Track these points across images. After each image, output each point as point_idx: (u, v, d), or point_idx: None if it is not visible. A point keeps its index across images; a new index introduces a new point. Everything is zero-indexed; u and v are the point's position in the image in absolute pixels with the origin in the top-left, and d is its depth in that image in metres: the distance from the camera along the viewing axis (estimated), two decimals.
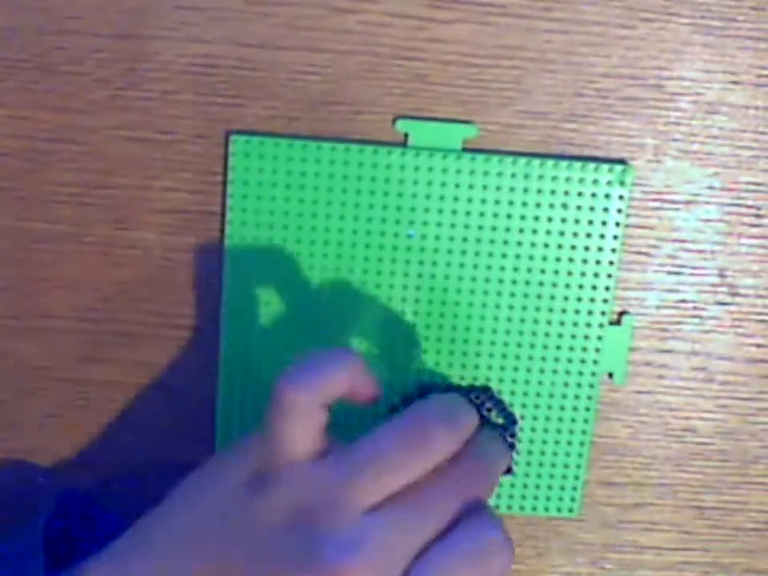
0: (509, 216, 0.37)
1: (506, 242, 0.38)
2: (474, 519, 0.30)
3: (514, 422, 0.39)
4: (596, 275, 0.38)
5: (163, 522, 0.32)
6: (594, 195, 0.37)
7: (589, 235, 0.38)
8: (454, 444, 0.31)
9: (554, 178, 0.37)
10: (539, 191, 0.37)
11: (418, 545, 0.30)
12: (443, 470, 0.31)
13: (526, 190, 0.37)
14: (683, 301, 0.39)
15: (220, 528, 0.31)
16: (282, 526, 0.30)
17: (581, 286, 0.38)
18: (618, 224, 0.38)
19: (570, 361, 0.38)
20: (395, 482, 0.30)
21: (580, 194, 0.37)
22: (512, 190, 0.37)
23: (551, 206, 0.37)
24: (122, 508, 0.32)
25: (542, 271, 0.38)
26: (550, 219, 0.37)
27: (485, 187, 0.37)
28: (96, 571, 0.31)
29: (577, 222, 0.37)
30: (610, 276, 0.38)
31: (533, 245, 0.38)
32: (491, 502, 0.39)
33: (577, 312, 0.38)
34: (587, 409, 0.39)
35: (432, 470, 0.30)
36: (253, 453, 0.32)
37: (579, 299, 0.38)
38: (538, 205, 0.37)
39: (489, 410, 0.39)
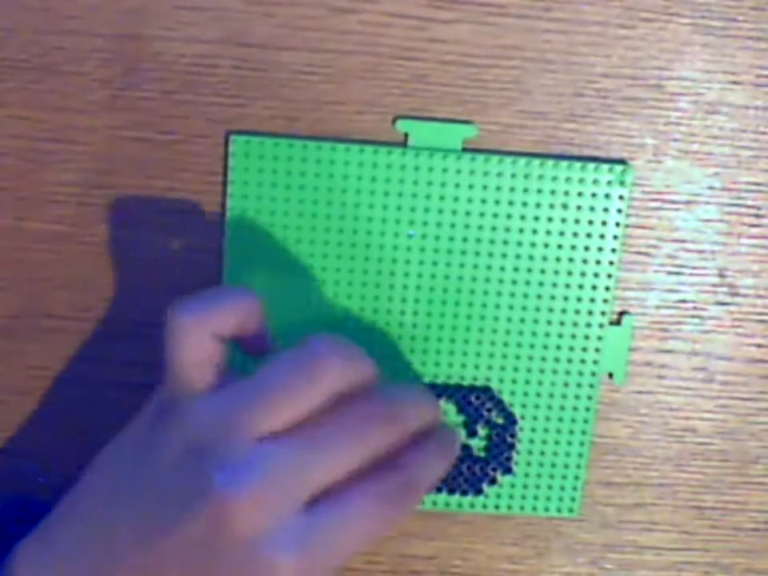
0: (509, 216, 0.37)
1: (506, 242, 0.38)
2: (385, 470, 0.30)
3: (514, 422, 0.39)
4: (596, 275, 0.38)
5: (85, 487, 0.32)
6: (594, 195, 0.37)
7: (589, 235, 0.38)
8: (345, 375, 0.31)
9: (554, 178, 0.37)
10: (539, 191, 0.37)
11: (314, 482, 0.29)
12: (350, 412, 0.31)
13: (525, 190, 0.37)
14: (683, 301, 0.39)
15: (131, 474, 0.31)
16: (177, 459, 0.30)
17: (581, 286, 0.38)
18: (618, 224, 0.38)
19: (569, 361, 0.38)
20: (287, 411, 0.30)
21: (580, 194, 0.37)
22: (512, 190, 0.37)
23: (551, 206, 0.37)
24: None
25: (542, 271, 0.38)
26: (549, 219, 0.37)
27: (485, 187, 0.37)
28: (24, 549, 0.32)
29: (577, 222, 0.37)
30: (610, 276, 0.38)
31: (533, 245, 0.38)
32: (488, 501, 0.40)
33: (577, 312, 0.38)
34: (587, 409, 0.39)
35: (334, 411, 0.30)
36: (156, 395, 0.32)
37: (579, 299, 0.38)
38: (538, 205, 0.37)
39: (489, 410, 0.39)
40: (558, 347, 0.38)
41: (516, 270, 0.38)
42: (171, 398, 0.31)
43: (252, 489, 0.28)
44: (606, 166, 0.37)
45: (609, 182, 0.37)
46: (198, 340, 0.31)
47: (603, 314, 0.38)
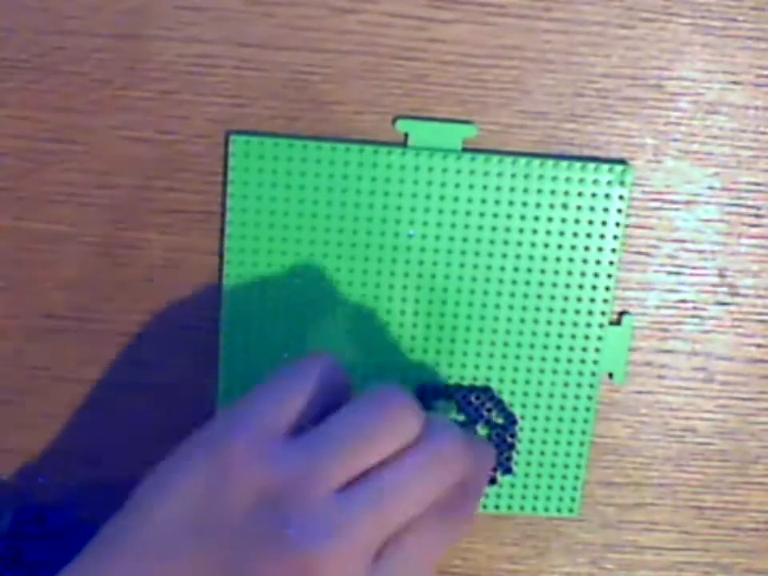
0: (509, 216, 0.37)
1: (506, 242, 0.38)
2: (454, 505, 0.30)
3: (514, 422, 0.39)
4: (596, 275, 0.38)
5: (129, 523, 0.31)
6: (594, 195, 0.37)
7: (589, 235, 0.38)
8: (418, 426, 0.31)
9: (554, 178, 0.37)
10: (539, 191, 0.37)
11: (385, 533, 0.29)
12: (418, 455, 0.30)
13: (525, 190, 0.37)
14: (683, 301, 0.39)
15: (187, 521, 0.30)
16: (250, 511, 0.29)
17: (581, 286, 0.38)
18: (618, 224, 0.38)
19: (569, 361, 0.38)
20: (363, 461, 0.29)
21: (580, 194, 0.37)
22: (512, 189, 0.37)
23: (551, 206, 0.37)
24: (119, 508, 0.32)
25: (542, 271, 0.38)
26: (550, 219, 0.37)
27: (485, 187, 0.37)
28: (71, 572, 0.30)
29: (577, 221, 0.37)
30: (610, 276, 0.38)
31: (533, 245, 0.38)
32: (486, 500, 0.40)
33: (577, 312, 0.38)
34: (587, 409, 0.39)
35: (404, 455, 0.30)
36: (216, 438, 0.31)
37: (579, 299, 0.38)
38: (538, 205, 0.37)
39: (489, 410, 0.39)
40: (558, 347, 0.38)
41: (516, 270, 0.38)
42: (241, 439, 0.30)
43: (335, 545, 0.28)
44: (605, 166, 0.37)
45: (609, 182, 0.37)
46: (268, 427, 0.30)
47: (603, 313, 0.38)
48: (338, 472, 0.29)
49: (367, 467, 0.30)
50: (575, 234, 0.38)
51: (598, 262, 0.38)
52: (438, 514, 0.30)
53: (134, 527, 0.30)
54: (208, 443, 0.31)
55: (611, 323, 0.39)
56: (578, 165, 0.37)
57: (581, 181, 0.37)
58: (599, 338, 0.38)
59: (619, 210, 0.37)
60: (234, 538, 0.29)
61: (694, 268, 0.39)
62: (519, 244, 0.38)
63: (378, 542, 0.29)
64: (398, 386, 0.31)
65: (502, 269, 0.38)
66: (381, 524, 0.29)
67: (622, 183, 0.37)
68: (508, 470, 0.39)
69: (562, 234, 0.38)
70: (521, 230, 0.37)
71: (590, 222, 0.37)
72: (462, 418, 0.39)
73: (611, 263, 0.38)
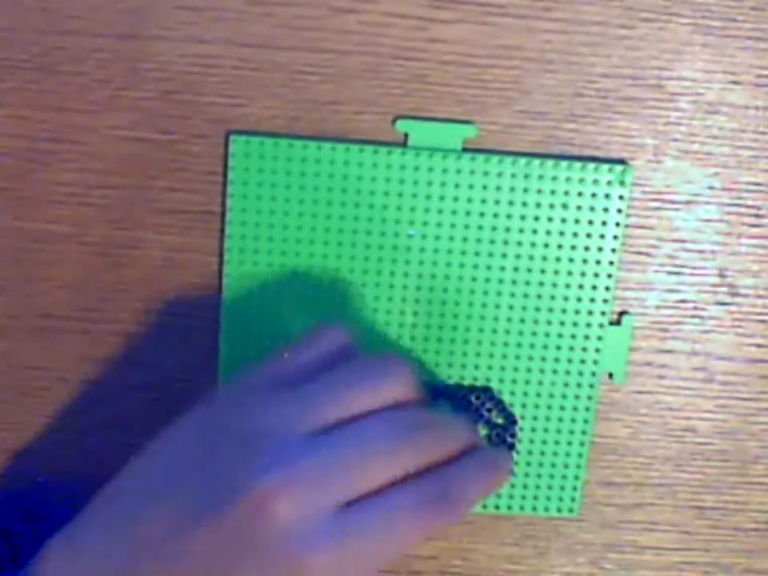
0: (509, 216, 0.37)
1: (506, 242, 0.38)
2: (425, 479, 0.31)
3: (514, 422, 0.39)
4: (596, 275, 0.38)
5: (118, 485, 0.32)
6: (594, 195, 0.37)
7: (589, 235, 0.38)
8: (403, 394, 0.32)
9: (554, 178, 0.37)
10: (539, 191, 0.37)
11: (355, 482, 0.30)
12: (397, 419, 0.31)
13: (525, 190, 0.37)
14: (683, 301, 0.39)
15: (172, 466, 0.31)
16: (227, 450, 0.30)
17: (581, 286, 0.38)
18: (618, 224, 0.38)
19: (570, 361, 0.38)
20: (341, 412, 0.31)
21: (580, 194, 0.37)
22: (512, 189, 0.37)
23: (551, 206, 0.37)
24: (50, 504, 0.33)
25: (542, 271, 0.38)
26: (550, 219, 0.37)
27: (485, 187, 0.37)
28: (53, 549, 0.31)
29: (577, 221, 0.37)
30: (610, 276, 0.38)
31: (533, 245, 0.38)
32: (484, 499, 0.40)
33: (577, 312, 0.38)
34: (587, 409, 0.39)
35: (382, 415, 0.31)
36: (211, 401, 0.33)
37: (579, 299, 0.38)
38: (538, 205, 0.37)
39: (489, 410, 0.39)
40: (558, 347, 0.38)
41: (516, 269, 0.38)
42: (242, 388, 0.32)
43: (290, 477, 0.29)
44: (605, 166, 0.37)
45: (609, 182, 0.37)
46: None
47: (603, 313, 0.38)
48: (312, 419, 0.30)
49: (349, 418, 0.31)
50: (575, 234, 0.38)
51: (598, 262, 0.38)
52: (414, 497, 0.30)
53: (116, 491, 0.32)
54: (216, 392, 0.33)
55: (611, 323, 0.39)
56: (578, 165, 0.37)
57: (581, 181, 0.37)
58: (599, 338, 0.38)
59: (619, 210, 0.37)
60: (206, 482, 0.30)
61: (694, 268, 0.39)
62: (519, 244, 0.38)
63: (343, 489, 0.29)
64: (400, 357, 0.33)
65: (502, 269, 0.38)
66: (345, 469, 0.29)
67: (622, 183, 0.37)
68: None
69: (561, 234, 0.38)
70: (521, 230, 0.37)
71: (590, 222, 0.37)
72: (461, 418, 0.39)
73: (611, 263, 0.38)
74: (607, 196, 0.37)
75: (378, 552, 0.30)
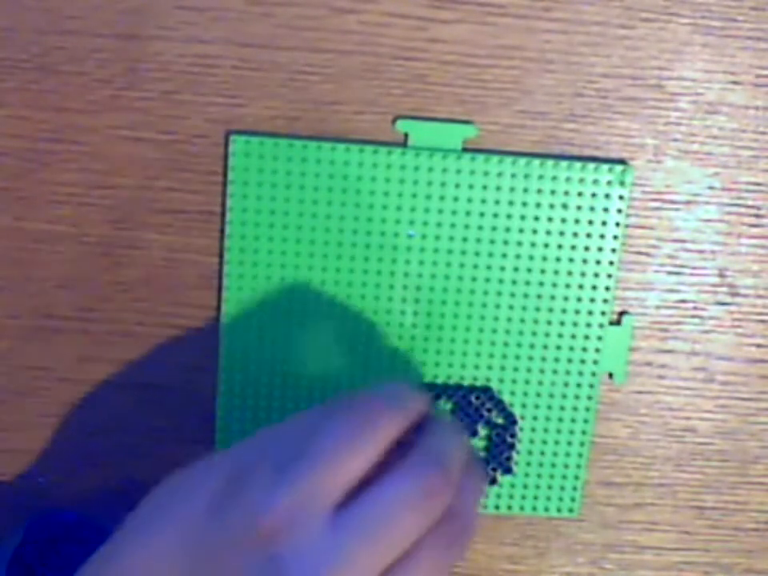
0: (509, 216, 0.37)
1: (506, 242, 0.38)
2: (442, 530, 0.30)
3: (514, 422, 0.39)
4: (596, 275, 0.38)
5: (121, 551, 0.31)
6: (594, 195, 0.37)
7: (589, 235, 0.38)
8: (400, 421, 0.30)
9: (554, 178, 0.37)
10: (539, 191, 0.37)
11: (388, 555, 0.29)
12: (407, 481, 0.29)
13: (525, 190, 0.37)
14: (683, 301, 0.39)
15: (180, 553, 0.29)
16: (245, 546, 0.29)
17: (581, 286, 0.38)
18: (618, 224, 0.38)
19: (570, 361, 0.38)
20: (345, 476, 0.29)
21: (580, 194, 0.37)
22: (512, 189, 0.37)
23: (551, 206, 0.37)
24: (119, 508, 0.32)
25: (542, 271, 0.38)
26: (550, 219, 0.37)
27: (485, 187, 0.37)
28: None
29: (577, 221, 0.37)
30: (610, 276, 0.38)
31: (533, 245, 0.38)
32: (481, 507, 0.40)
33: (577, 312, 0.38)
34: (587, 409, 0.39)
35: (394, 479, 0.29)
36: (214, 473, 0.31)
37: (579, 299, 0.38)
38: (538, 205, 0.37)
39: (489, 410, 0.39)
40: (558, 347, 0.38)
41: (516, 269, 0.38)
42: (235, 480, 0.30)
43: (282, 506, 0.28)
44: (605, 166, 0.37)
45: (609, 182, 0.37)
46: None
47: (603, 313, 0.38)
48: (323, 493, 0.29)
49: (357, 477, 0.29)
50: (575, 234, 0.38)
51: (598, 262, 0.38)
52: (435, 538, 0.29)
53: (123, 555, 0.30)
54: (206, 475, 0.31)
55: (611, 323, 0.39)
56: (578, 165, 0.37)
57: (581, 181, 0.37)
58: (599, 338, 0.38)
59: (619, 210, 0.37)
60: (227, 570, 0.29)
61: (694, 268, 0.39)
62: (519, 244, 0.38)
63: (377, 571, 0.28)
64: (386, 389, 0.31)
65: (502, 269, 0.38)
66: (372, 556, 0.28)
67: (622, 183, 0.37)
68: (508, 470, 0.39)
69: (562, 233, 0.38)
70: (521, 230, 0.37)
71: (590, 222, 0.37)
72: (462, 418, 0.39)
73: (611, 263, 0.38)
74: (607, 196, 0.37)
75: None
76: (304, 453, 0.29)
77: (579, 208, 0.37)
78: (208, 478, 0.30)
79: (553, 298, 0.38)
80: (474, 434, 0.39)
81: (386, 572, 0.29)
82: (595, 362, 0.39)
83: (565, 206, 0.37)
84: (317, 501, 0.28)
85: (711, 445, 0.40)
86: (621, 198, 0.37)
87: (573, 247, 0.38)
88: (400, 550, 0.29)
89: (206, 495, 0.30)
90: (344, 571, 0.28)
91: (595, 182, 0.37)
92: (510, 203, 0.37)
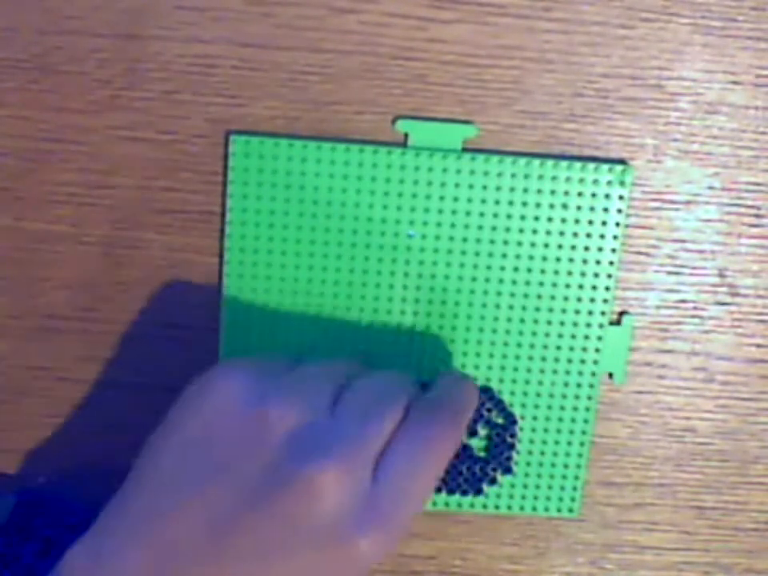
0: (509, 216, 0.37)
1: (506, 242, 0.38)
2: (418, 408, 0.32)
3: (514, 422, 0.39)
4: (596, 275, 0.38)
5: (139, 477, 0.31)
6: (594, 195, 0.37)
7: (589, 235, 0.38)
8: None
9: (554, 178, 0.37)
10: (539, 191, 0.37)
11: (376, 447, 0.31)
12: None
13: (525, 190, 0.37)
14: (683, 301, 0.39)
15: (197, 457, 0.31)
16: (252, 440, 0.30)
17: (581, 286, 0.38)
18: (618, 224, 0.38)
19: (570, 361, 0.38)
20: (341, 374, 0.33)
21: (580, 194, 0.37)
22: (512, 190, 0.37)
23: (551, 206, 0.37)
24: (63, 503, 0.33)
25: (542, 271, 0.38)
26: (550, 219, 0.37)
27: (485, 187, 0.37)
28: (77, 555, 0.30)
29: (577, 222, 0.37)
30: (610, 276, 0.38)
31: (533, 245, 0.38)
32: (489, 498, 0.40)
33: (577, 312, 0.38)
34: (587, 409, 0.39)
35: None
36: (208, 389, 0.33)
37: (579, 299, 0.38)
38: (538, 205, 0.37)
39: (489, 410, 0.39)
40: (558, 347, 0.38)
41: (516, 270, 0.38)
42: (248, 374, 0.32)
43: (332, 459, 0.29)
44: (605, 166, 0.37)
45: (609, 182, 0.37)
46: None
47: (603, 313, 0.38)
48: (324, 390, 0.32)
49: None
50: (575, 234, 0.38)
51: (597, 262, 0.38)
52: (414, 426, 0.32)
53: (138, 484, 0.31)
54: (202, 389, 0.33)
55: (611, 323, 0.39)
56: (578, 165, 0.37)
57: (581, 181, 0.37)
58: (599, 338, 0.38)
59: (619, 210, 0.37)
60: (241, 472, 0.30)
61: (694, 268, 0.39)
62: (519, 244, 0.38)
63: (373, 457, 0.30)
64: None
65: (502, 269, 0.38)
66: (372, 437, 0.30)
67: (622, 183, 0.37)
68: (508, 470, 0.39)
69: (562, 234, 0.38)
70: (521, 230, 0.37)
71: (590, 222, 0.37)
72: None
73: (611, 263, 0.38)
74: (607, 196, 0.37)
75: (415, 498, 0.31)
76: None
77: (579, 208, 0.37)
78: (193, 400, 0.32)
79: (553, 298, 0.38)
80: (474, 433, 0.39)
81: (383, 453, 0.31)
82: (595, 362, 0.39)
83: (565, 206, 0.37)
84: (318, 395, 0.32)
85: (711, 445, 0.40)
86: (621, 197, 0.37)
87: (573, 247, 0.38)
88: (389, 426, 0.31)
89: (200, 410, 0.32)
90: (346, 447, 0.30)
91: (595, 182, 0.37)
92: (510, 203, 0.37)
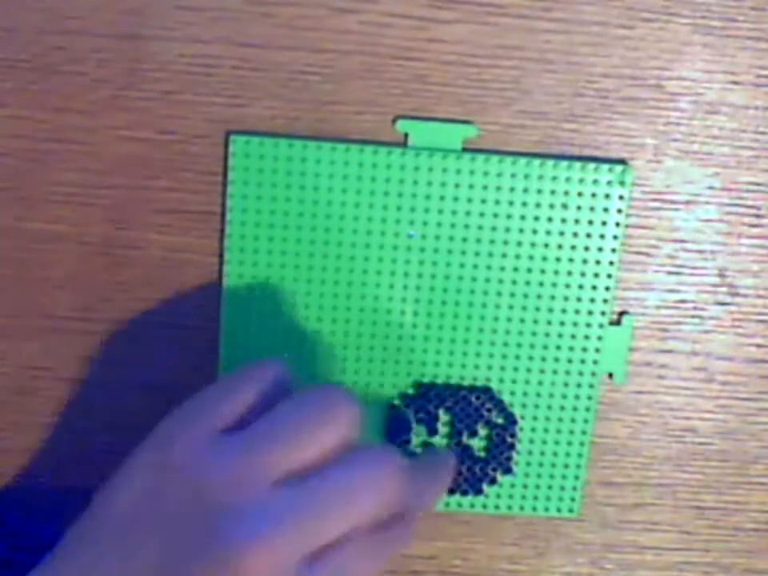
0: (509, 216, 0.37)
1: (506, 242, 0.38)
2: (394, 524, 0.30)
3: (514, 422, 0.39)
4: (596, 275, 0.38)
5: (84, 531, 0.31)
6: (593, 195, 0.37)
7: (589, 235, 0.38)
8: (354, 424, 0.31)
9: (554, 178, 0.37)
10: (539, 191, 0.37)
11: (321, 533, 0.29)
12: (354, 467, 0.30)
13: (525, 190, 0.37)
14: (683, 301, 0.39)
15: (135, 519, 0.30)
16: (187, 510, 0.29)
17: (581, 286, 0.38)
18: (618, 224, 0.38)
19: (570, 361, 0.38)
20: (300, 453, 0.30)
21: (580, 194, 0.37)
22: (512, 190, 0.37)
23: (551, 206, 0.37)
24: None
25: (542, 271, 0.38)
26: (550, 219, 0.37)
27: (485, 187, 0.37)
28: None
29: (577, 222, 0.37)
30: (610, 276, 0.38)
31: (533, 245, 0.38)
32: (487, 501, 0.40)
33: (577, 312, 0.38)
34: (587, 409, 0.39)
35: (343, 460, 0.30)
36: (159, 445, 0.31)
37: (579, 299, 0.38)
38: (538, 205, 0.37)
39: (489, 410, 0.39)
40: (558, 347, 0.38)
41: (516, 269, 0.38)
42: (174, 447, 0.31)
43: (265, 536, 0.28)
44: (605, 166, 0.37)
45: (609, 182, 0.37)
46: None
47: (603, 313, 0.38)
48: (274, 464, 0.29)
49: (305, 464, 0.30)
50: (575, 234, 0.38)
51: (597, 262, 0.38)
52: (373, 530, 0.30)
53: (93, 526, 0.31)
54: (155, 442, 0.31)
55: (611, 323, 0.39)
56: (578, 165, 0.37)
57: (581, 181, 0.37)
58: (599, 338, 0.38)
59: (619, 210, 0.37)
60: (169, 538, 0.29)
61: (694, 268, 0.39)
62: (519, 244, 0.38)
63: (310, 545, 0.29)
64: (339, 385, 0.32)
65: (502, 269, 0.38)
66: (314, 527, 0.29)
67: (622, 183, 0.37)
68: (508, 470, 0.39)
69: (562, 234, 0.38)
70: (521, 230, 0.37)
71: (590, 222, 0.37)
72: (462, 418, 0.39)
73: (611, 263, 0.38)
74: (607, 196, 0.37)
75: None
76: (268, 421, 0.30)
77: (579, 208, 0.37)
78: (155, 451, 0.31)
79: (553, 298, 0.38)
80: (474, 434, 0.39)
81: (322, 551, 0.29)
82: (595, 362, 0.39)
83: (565, 206, 0.37)
84: (265, 469, 0.29)
85: (711, 445, 0.40)
86: (621, 197, 0.37)
87: (573, 247, 0.38)
88: (341, 527, 0.29)
89: (153, 465, 0.31)
90: (279, 533, 0.28)
91: (595, 182, 0.37)
92: (510, 203, 0.37)
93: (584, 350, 0.38)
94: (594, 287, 0.38)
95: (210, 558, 0.28)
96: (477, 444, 0.39)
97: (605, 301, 0.38)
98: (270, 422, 0.30)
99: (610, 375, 0.39)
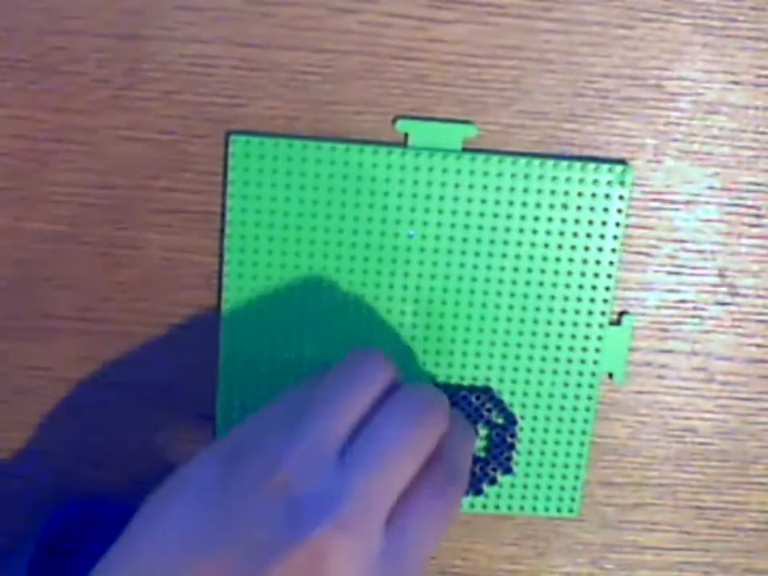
0: (509, 216, 0.37)
1: (505, 242, 0.38)
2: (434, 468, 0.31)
3: (514, 422, 0.39)
4: (596, 275, 0.38)
5: (143, 529, 0.30)
6: (593, 195, 0.37)
7: (589, 235, 0.38)
8: (388, 378, 0.33)
9: (554, 178, 0.37)
10: (539, 191, 0.37)
11: (392, 494, 0.30)
12: (402, 405, 0.32)
13: (525, 190, 0.37)
14: (683, 301, 0.39)
15: (201, 520, 0.29)
16: (262, 499, 0.29)
17: (581, 286, 0.38)
18: (618, 224, 0.38)
19: (570, 361, 0.38)
20: (352, 416, 0.31)
21: (580, 194, 0.37)
22: (512, 190, 0.37)
23: (551, 206, 0.37)
24: (120, 510, 0.32)
25: (542, 271, 0.38)
26: (550, 219, 0.37)
27: (485, 187, 0.37)
28: None
29: (577, 222, 0.37)
30: (609, 276, 0.38)
31: (533, 245, 0.38)
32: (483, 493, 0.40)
33: (577, 312, 0.38)
34: (587, 409, 0.39)
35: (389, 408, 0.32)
36: (217, 452, 0.31)
37: (579, 299, 0.38)
38: (538, 205, 0.37)
39: (489, 410, 0.39)
40: (558, 347, 0.38)
41: (516, 270, 0.38)
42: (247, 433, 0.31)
43: (338, 521, 0.28)
44: (605, 166, 0.37)
45: (609, 182, 0.37)
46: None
47: (603, 313, 0.38)
48: (334, 438, 0.30)
49: (355, 424, 0.31)
50: (575, 234, 0.38)
51: (597, 262, 0.38)
52: (429, 479, 0.31)
53: (146, 533, 0.30)
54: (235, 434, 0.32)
55: (611, 323, 0.39)
56: (578, 165, 0.37)
57: (581, 181, 0.37)
58: (599, 338, 0.38)
59: (619, 210, 0.37)
60: (252, 533, 0.29)
61: (694, 268, 0.39)
62: (519, 244, 0.38)
63: (387, 506, 0.30)
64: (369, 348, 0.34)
65: (502, 269, 0.38)
66: (381, 482, 0.30)
67: (621, 183, 0.37)
68: (508, 470, 0.39)
69: (562, 234, 0.38)
70: (521, 230, 0.37)
71: (590, 222, 0.37)
72: None
73: (611, 263, 0.38)
74: (607, 196, 0.37)
75: (421, 559, 0.30)
76: (306, 407, 0.31)
77: (579, 208, 0.37)
78: (213, 457, 0.31)
79: (553, 298, 0.38)
80: (475, 434, 0.39)
81: (391, 513, 0.30)
82: (595, 362, 0.39)
83: (565, 206, 0.37)
84: (324, 446, 0.30)
85: (711, 445, 0.40)
86: (621, 197, 0.37)
87: (573, 247, 0.38)
88: (401, 483, 0.30)
89: (215, 469, 0.31)
90: (354, 505, 0.29)
91: (595, 182, 0.37)
92: (510, 203, 0.37)
93: (584, 350, 0.38)
94: (594, 287, 0.38)
95: (293, 548, 0.28)
96: (477, 444, 0.39)
97: (605, 301, 0.38)
98: (314, 403, 0.31)
99: (610, 375, 0.39)
